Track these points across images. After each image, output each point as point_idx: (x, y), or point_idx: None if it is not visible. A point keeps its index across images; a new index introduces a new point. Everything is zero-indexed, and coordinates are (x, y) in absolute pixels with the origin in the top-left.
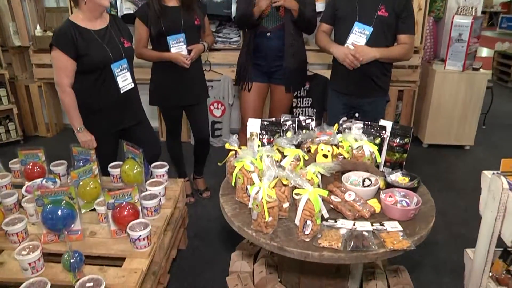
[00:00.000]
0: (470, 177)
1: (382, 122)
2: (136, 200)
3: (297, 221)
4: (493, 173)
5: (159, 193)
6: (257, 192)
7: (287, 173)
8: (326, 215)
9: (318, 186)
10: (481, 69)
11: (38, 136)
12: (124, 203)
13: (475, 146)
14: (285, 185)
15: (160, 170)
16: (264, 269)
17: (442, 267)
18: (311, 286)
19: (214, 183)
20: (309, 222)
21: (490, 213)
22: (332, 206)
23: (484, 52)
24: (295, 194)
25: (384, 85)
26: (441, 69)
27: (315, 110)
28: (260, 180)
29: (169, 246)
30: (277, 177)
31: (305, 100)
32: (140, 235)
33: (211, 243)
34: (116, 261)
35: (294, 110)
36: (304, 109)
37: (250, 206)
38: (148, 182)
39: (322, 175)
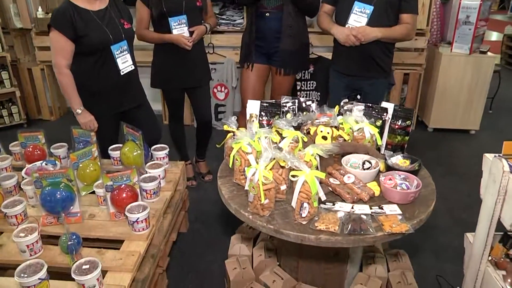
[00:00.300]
0: (474, 162)
1: (384, 104)
2: (135, 182)
3: (293, 204)
4: (495, 156)
5: (159, 175)
6: (254, 174)
7: (284, 154)
8: (323, 198)
9: (317, 168)
10: (488, 52)
11: (42, 120)
12: (123, 185)
13: (480, 131)
14: (282, 167)
15: (161, 152)
16: (263, 253)
17: (443, 252)
18: (310, 270)
19: (216, 167)
20: (305, 204)
21: (490, 196)
22: (330, 189)
23: (494, 36)
24: (292, 176)
25: (385, 66)
26: (447, 52)
27: (319, 93)
28: (257, 162)
29: (168, 229)
30: (274, 158)
31: (309, 83)
32: (138, 218)
33: (212, 227)
34: (115, 243)
35: (298, 93)
36: (308, 92)
37: (246, 188)
38: (148, 164)
39: (321, 157)
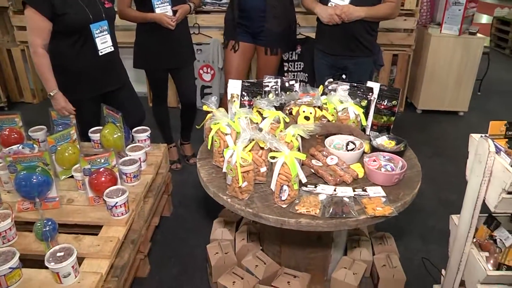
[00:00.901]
0: (462, 143)
1: (369, 84)
2: (114, 166)
3: (272, 186)
4: (481, 136)
5: (139, 158)
6: (231, 156)
7: (263, 135)
8: (304, 180)
9: (298, 149)
10: (478, 34)
11: (24, 103)
12: (101, 168)
13: (469, 112)
14: (262, 148)
15: (142, 135)
16: (246, 237)
17: (429, 234)
18: (293, 255)
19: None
20: (285, 187)
21: (475, 177)
22: (313, 171)
23: (484, 18)
24: (271, 157)
25: (369, 45)
26: (437, 33)
27: (306, 74)
28: (235, 143)
29: (150, 214)
30: (253, 139)
31: (297, 64)
32: (117, 202)
33: (196, 210)
34: (95, 229)
35: (286, 74)
36: (295, 73)
37: (224, 170)
38: (128, 147)
39: (304, 139)
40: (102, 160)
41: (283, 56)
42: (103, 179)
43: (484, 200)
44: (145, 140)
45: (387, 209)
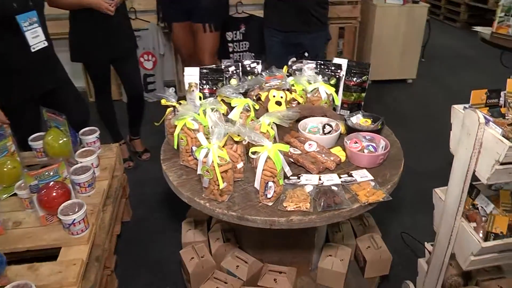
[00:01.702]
0: (417, 110)
1: (336, 60)
2: (65, 177)
3: (257, 185)
4: (465, 107)
5: (92, 164)
6: (206, 155)
7: (239, 128)
8: (289, 173)
9: (274, 139)
10: (420, 2)
11: None
12: (51, 182)
13: (417, 79)
14: (236, 142)
15: (90, 137)
16: (221, 236)
17: (401, 207)
18: (275, 250)
19: (153, 143)
20: (271, 183)
21: (464, 150)
22: (292, 160)
23: None
24: (252, 153)
25: (322, 18)
26: (381, 4)
27: (253, 54)
28: (208, 140)
29: (111, 224)
30: (227, 134)
31: (242, 44)
32: (75, 219)
33: (158, 210)
34: (51, 252)
35: (231, 55)
36: (241, 54)
37: (199, 172)
38: (77, 152)
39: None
40: (51, 173)
41: (227, 37)
42: (54, 194)
43: (474, 172)
44: (94, 142)
45: (379, 194)
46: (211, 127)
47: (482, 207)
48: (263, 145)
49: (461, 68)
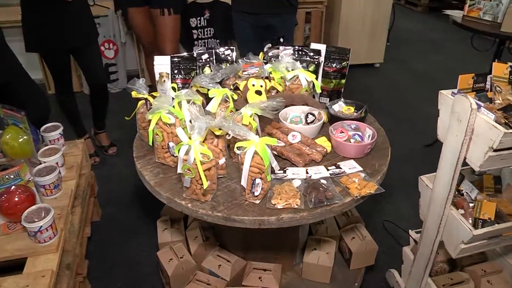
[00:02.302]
0: (387, 94)
1: (315, 46)
2: (28, 180)
3: (243, 182)
4: (453, 93)
5: (57, 163)
6: (187, 152)
7: (221, 121)
8: (277, 168)
9: (257, 131)
10: None
11: None
12: (12, 186)
13: (384, 63)
14: (217, 137)
15: (53, 133)
16: (199, 234)
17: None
18: (259, 246)
19: (119, 136)
20: (258, 180)
21: (454, 137)
22: (275, 153)
23: None
24: (237, 148)
25: (292, 0)
26: None
27: (218, 40)
28: (187, 135)
29: (80, 226)
30: (207, 128)
31: (206, 31)
32: (41, 226)
33: (128, 208)
34: (16, 263)
35: (196, 42)
36: (206, 40)
37: (179, 171)
38: (40, 151)
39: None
40: (12, 176)
41: (191, 23)
42: (16, 199)
43: (464, 159)
44: (58, 139)
45: (371, 186)
46: (190, 121)
47: (467, 192)
48: (249, 140)
49: (427, 51)
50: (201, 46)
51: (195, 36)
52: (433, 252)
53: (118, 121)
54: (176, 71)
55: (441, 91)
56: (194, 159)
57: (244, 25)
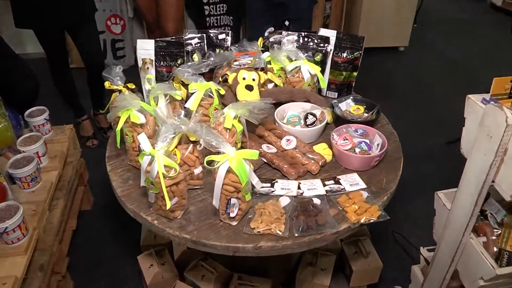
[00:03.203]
0: (409, 82)
1: (323, 32)
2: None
3: (215, 203)
4: (485, 100)
5: (37, 153)
6: (150, 163)
7: (193, 126)
8: (258, 186)
9: (243, 135)
10: None
11: None
12: None
13: (409, 47)
14: (194, 142)
15: (38, 118)
16: None
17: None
18: (248, 257)
19: None
20: (234, 200)
21: (482, 155)
22: (265, 160)
23: None
24: (207, 163)
25: None
26: None
27: (231, 17)
28: (151, 141)
29: (62, 221)
30: (178, 133)
31: (219, 7)
32: (7, 228)
33: None
34: None
35: (208, 19)
36: (218, 17)
37: (142, 184)
38: (20, 139)
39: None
40: None
41: None
42: None
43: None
44: (43, 124)
45: (373, 211)
46: (159, 124)
47: (492, 213)
48: (222, 153)
49: (458, 35)
50: (213, 23)
51: (206, 12)
52: (445, 280)
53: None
54: (160, 57)
55: (469, 96)
56: (157, 172)
57: (257, 2)
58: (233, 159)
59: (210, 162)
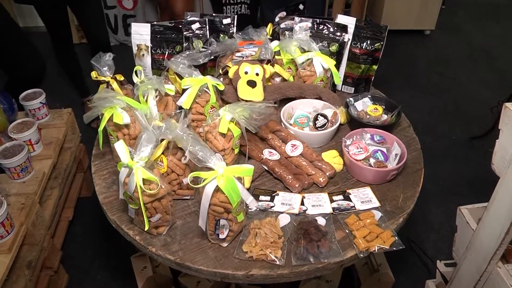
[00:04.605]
0: (432, 69)
1: (341, 19)
2: None
3: (201, 224)
4: None
5: (29, 141)
6: (128, 175)
7: (179, 134)
8: (253, 205)
9: (242, 136)
10: None
11: None
12: None
13: (435, 30)
14: (182, 149)
15: (34, 102)
16: None
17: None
18: None
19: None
20: (223, 222)
21: None
22: (266, 168)
23: None
24: (191, 181)
25: None
26: None
27: (248, 1)
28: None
29: (56, 212)
30: (163, 141)
31: None
32: None
33: None
34: None
35: (224, 8)
36: (236, 6)
37: (121, 197)
38: (11, 126)
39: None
40: None
41: None
42: None
43: None
44: (39, 108)
45: (386, 237)
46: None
47: None
48: (210, 169)
49: (490, 19)
50: (232, 12)
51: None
52: None
53: (132, 81)
54: (156, 43)
55: (507, 104)
56: (136, 186)
57: None
58: (221, 177)
59: (194, 180)
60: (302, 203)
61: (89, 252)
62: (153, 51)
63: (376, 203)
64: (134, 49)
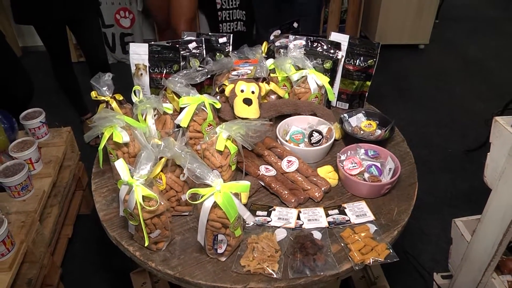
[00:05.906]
0: (427, 82)
1: (334, 36)
2: None
3: (200, 239)
4: None
5: (29, 159)
6: (129, 193)
7: (177, 152)
8: (250, 220)
9: (238, 152)
10: None
11: None
12: None
13: (430, 45)
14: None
15: (33, 121)
16: None
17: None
18: None
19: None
20: (221, 237)
21: (509, 188)
22: (262, 184)
23: None
24: (189, 198)
25: None
26: None
27: (244, 12)
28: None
29: (55, 229)
30: (162, 159)
31: (232, 1)
32: None
33: None
34: None
35: (219, 13)
36: (230, 11)
37: (121, 213)
38: (12, 145)
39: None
40: None
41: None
42: None
43: None
44: (39, 127)
45: (381, 250)
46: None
47: None
48: (208, 185)
49: (483, 32)
50: (225, 17)
51: (218, 6)
52: None
53: (130, 99)
54: (154, 63)
55: (497, 118)
56: (136, 203)
57: None
58: (219, 193)
59: (192, 197)
60: (298, 218)
61: (88, 269)
62: (151, 70)
63: (371, 217)
64: (133, 68)
